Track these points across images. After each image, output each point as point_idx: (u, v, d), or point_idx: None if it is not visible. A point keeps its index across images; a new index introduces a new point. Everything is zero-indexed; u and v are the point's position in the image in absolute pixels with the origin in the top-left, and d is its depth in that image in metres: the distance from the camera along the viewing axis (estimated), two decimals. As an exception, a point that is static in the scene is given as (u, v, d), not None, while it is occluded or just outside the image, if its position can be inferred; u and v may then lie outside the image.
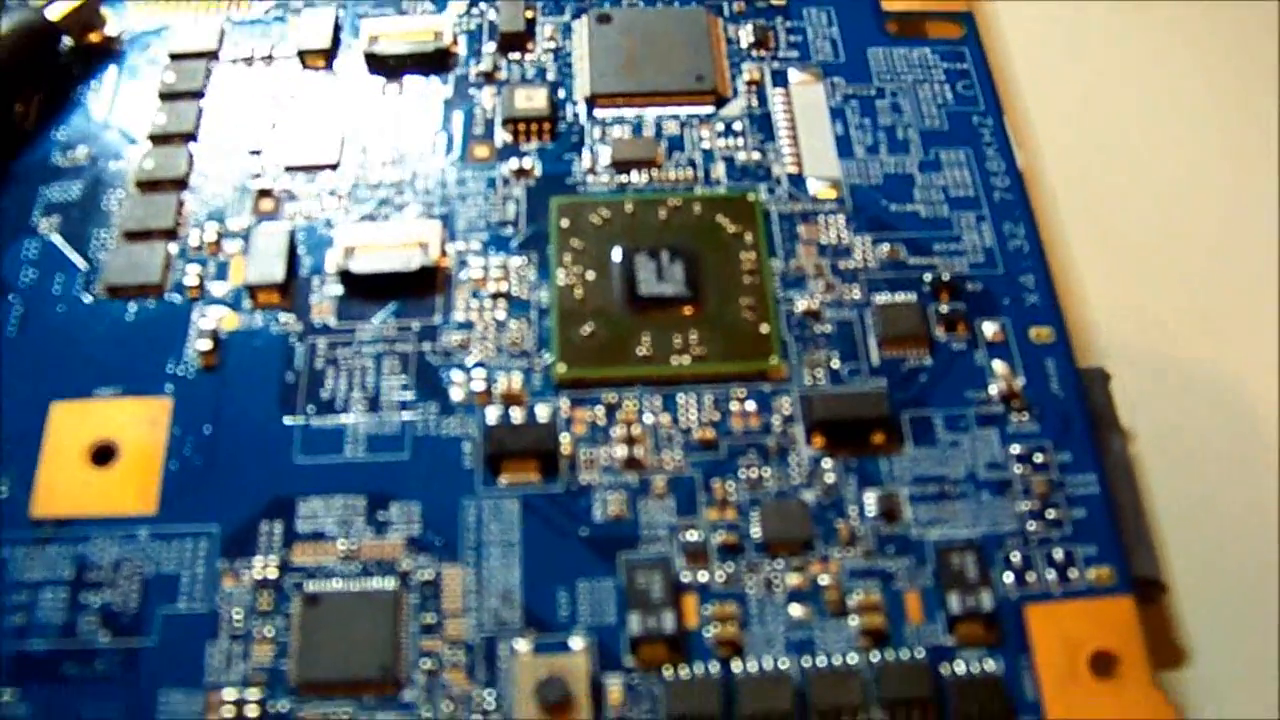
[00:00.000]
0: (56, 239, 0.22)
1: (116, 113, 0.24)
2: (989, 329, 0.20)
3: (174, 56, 0.24)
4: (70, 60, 0.24)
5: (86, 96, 0.24)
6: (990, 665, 0.17)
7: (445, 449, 0.19)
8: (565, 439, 0.19)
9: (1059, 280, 0.21)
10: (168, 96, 0.23)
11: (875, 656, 0.17)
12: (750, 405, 0.19)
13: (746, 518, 0.19)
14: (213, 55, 0.24)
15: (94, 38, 0.24)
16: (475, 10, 0.24)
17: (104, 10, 0.24)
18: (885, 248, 0.21)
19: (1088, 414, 0.19)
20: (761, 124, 0.22)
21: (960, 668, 0.17)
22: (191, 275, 0.21)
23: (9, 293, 0.21)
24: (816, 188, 0.21)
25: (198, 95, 0.23)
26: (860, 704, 0.17)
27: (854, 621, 0.18)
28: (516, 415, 0.19)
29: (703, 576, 0.18)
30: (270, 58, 0.24)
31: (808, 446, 0.19)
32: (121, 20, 0.25)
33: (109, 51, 0.24)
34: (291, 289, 0.21)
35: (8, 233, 0.22)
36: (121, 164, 0.23)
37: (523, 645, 0.18)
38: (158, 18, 0.25)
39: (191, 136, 0.23)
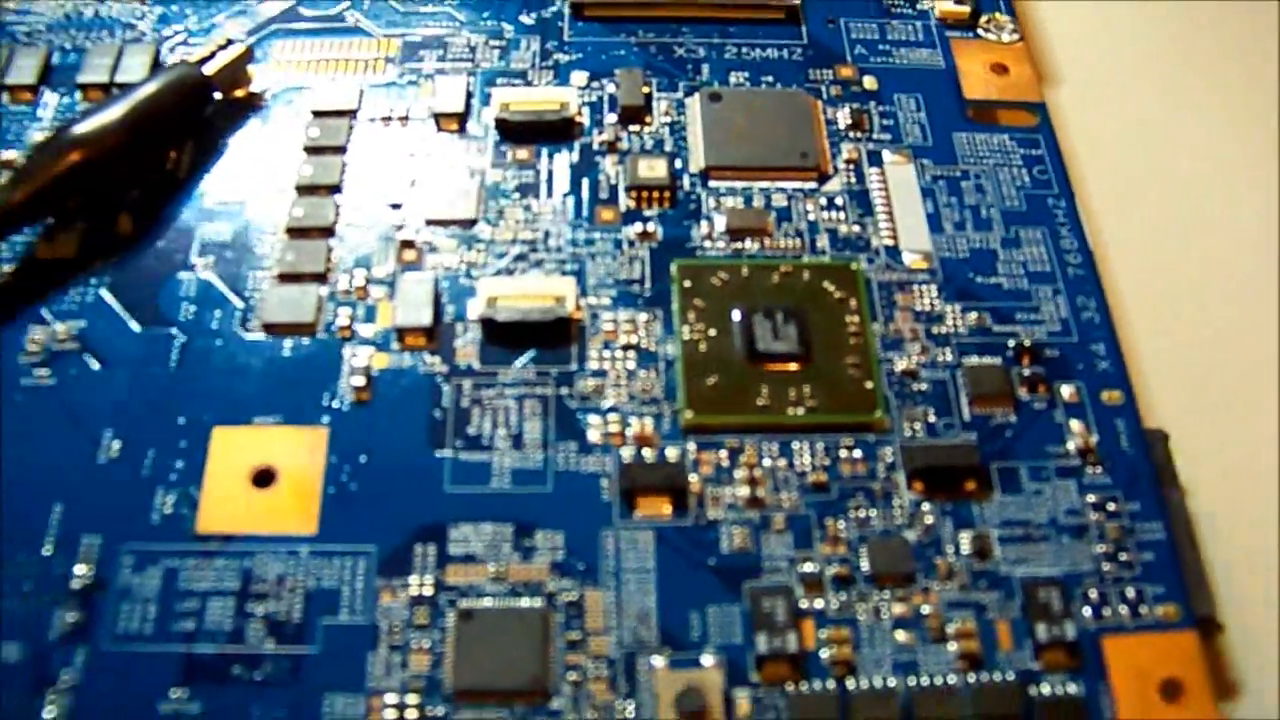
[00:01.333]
0: (213, 277, 0.26)
1: (263, 163, 0.28)
2: (1065, 391, 0.25)
3: (316, 113, 0.28)
4: (219, 112, 0.29)
5: (234, 146, 0.28)
6: (1072, 688, 0.21)
7: (584, 484, 0.23)
8: (693, 478, 0.23)
9: (1125, 348, 0.25)
10: (313, 150, 0.27)
11: (971, 678, 0.21)
12: (857, 453, 0.24)
13: (856, 553, 0.23)
14: (352, 114, 0.28)
15: (240, 93, 0.29)
16: (595, 84, 0.29)
17: (249, 68, 0.29)
18: (973, 315, 0.25)
19: (1152, 469, 0.24)
20: (860, 199, 0.27)
21: (1046, 689, 0.21)
22: (343, 317, 0.25)
23: (170, 326, 0.25)
24: (910, 259, 0.26)
25: (341, 150, 0.27)
26: (963, 716, 0.21)
27: (952, 646, 0.22)
28: (648, 455, 0.23)
29: (819, 604, 0.22)
30: (406, 118, 0.28)
31: (909, 491, 0.23)
32: (265, 77, 0.29)
33: (254, 106, 0.29)
34: (437, 333, 0.25)
35: (167, 270, 0.26)
36: (270, 210, 0.27)
37: (659, 661, 0.21)
38: (298, 77, 0.29)
39: (336, 188, 0.27)
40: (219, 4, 0.31)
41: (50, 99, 0.29)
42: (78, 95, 0.29)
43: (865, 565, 0.22)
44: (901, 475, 0.23)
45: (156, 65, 0.29)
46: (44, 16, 0.31)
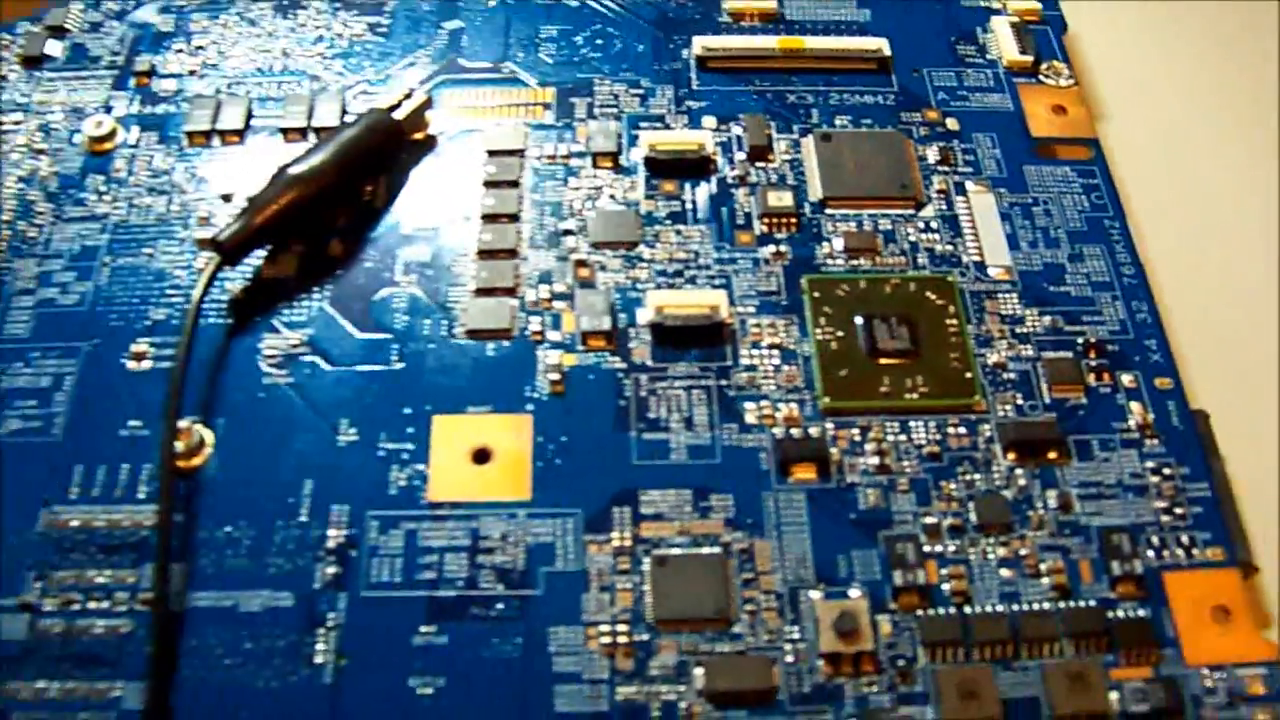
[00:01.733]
0: (418, 292, 0.32)
1: (446, 195, 0.34)
2: (1125, 378, 0.31)
3: (491, 153, 0.34)
4: (406, 151, 0.35)
5: (419, 180, 0.34)
6: (1142, 612, 0.28)
7: (747, 456, 0.29)
8: (833, 451, 0.29)
9: (1172, 343, 0.32)
10: (491, 184, 0.33)
11: (1061, 604, 0.27)
12: (962, 430, 0.30)
13: (965, 508, 0.29)
14: (521, 153, 0.34)
15: (420, 135, 0.35)
16: (723, 127, 0.35)
17: (427, 114, 0.34)
18: (1048, 318, 0.32)
19: (1198, 441, 0.30)
20: (950, 223, 0.33)
21: (1121, 613, 0.27)
22: (534, 324, 0.31)
23: (386, 333, 0.31)
24: (994, 272, 0.32)
25: (514, 184, 0.33)
26: (1055, 636, 0.27)
27: (1045, 580, 0.28)
28: (796, 433, 0.29)
29: (938, 548, 0.28)
30: (568, 156, 0.34)
31: (1004, 459, 0.29)
32: (438, 121, 0.35)
33: (432, 145, 0.35)
34: (614, 336, 0.31)
35: (377, 286, 0.32)
36: (458, 235, 0.33)
37: (816, 594, 0.27)
38: (468, 121, 0.35)
39: (515, 217, 0.33)
40: (390, 58, 0.37)
41: (254, 141, 0.35)
42: (279, 138, 0.35)
43: (973, 517, 0.29)
44: (998, 446, 0.30)
45: (343, 111, 0.36)
46: (242, 70, 0.37)
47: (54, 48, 0.38)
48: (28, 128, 0.36)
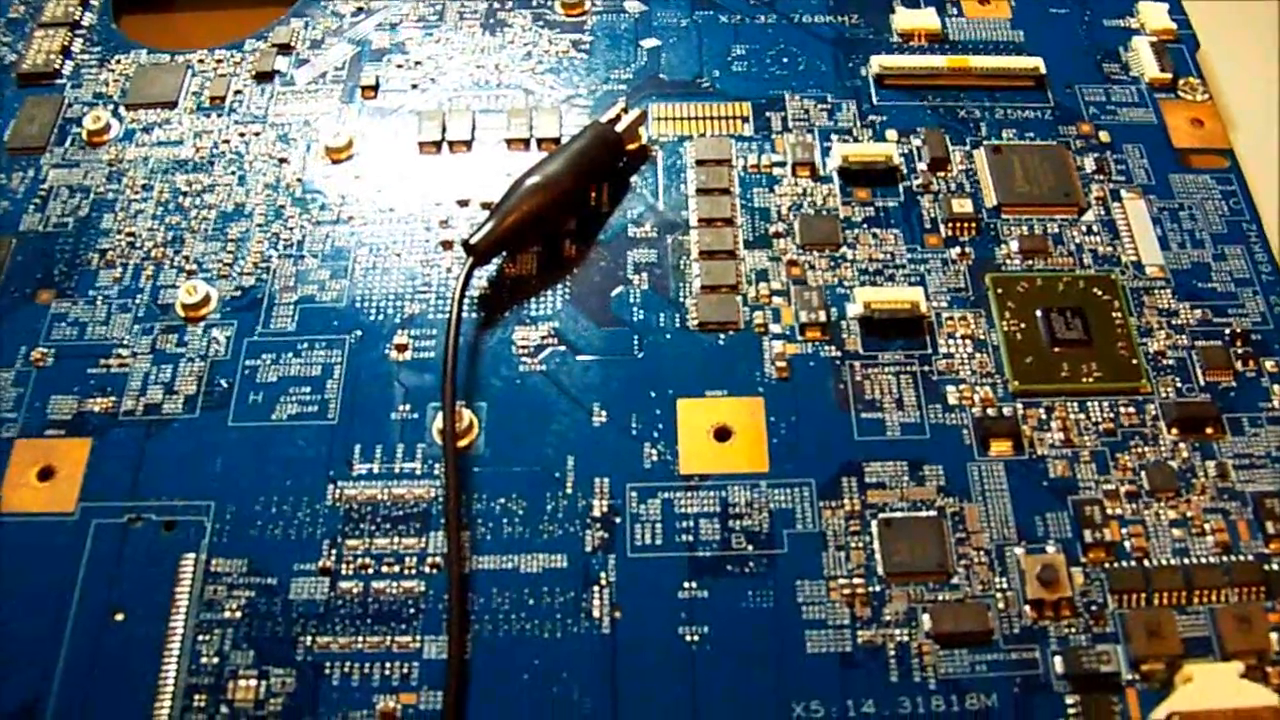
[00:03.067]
0: (648, 289, 0.38)
1: (661, 200, 0.40)
2: (1268, 364, 0.38)
3: (700, 162, 0.40)
4: (623, 160, 0.41)
5: (637, 187, 0.40)
6: None
7: (951, 433, 0.36)
8: (1024, 428, 0.36)
9: None
10: (703, 191, 0.40)
11: (1225, 558, 0.35)
12: (1131, 409, 0.37)
13: (1138, 475, 0.36)
14: (728, 163, 0.40)
15: (633, 146, 0.41)
16: (904, 139, 0.42)
17: (640, 127, 0.41)
18: (1198, 311, 0.39)
19: None
20: (1108, 226, 0.40)
21: (1276, 565, 0.35)
22: (758, 317, 0.38)
23: (625, 325, 0.38)
24: (1150, 271, 0.40)
25: (726, 192, 0.40)
26: (1223, 584, 0.34)
27: (1209, 538, 0.35)
28: (991, 412, 0.36)
29: (1118, 510, 0.35)
30: (770, 165, 0.41)
31: (1169, 434, 0.36)
32: (649, 132, 0.42)
33: (646, 155, 0.41)
34: (829, 328, 0.37)
35: (611, 284, 0.38)
36: (678, 237, 0.40)
37: (1020, 550, 0.34)
38: (676, 132, 0.42)
39: (729, 221, 0.39)
40: (596, 73, 0.44)
41: (480, 150, 0.42)
42: (504, 147, 0.42)
43: (1145, 484, 0.36)
44: (1163, 423, 0.37)
45: (560, 123, 0.42)
46: (461, 84, 0.44)
47: (282, 63, 0.44)
48: (267, 138, 0.42)
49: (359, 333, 0.38)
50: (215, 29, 0.46)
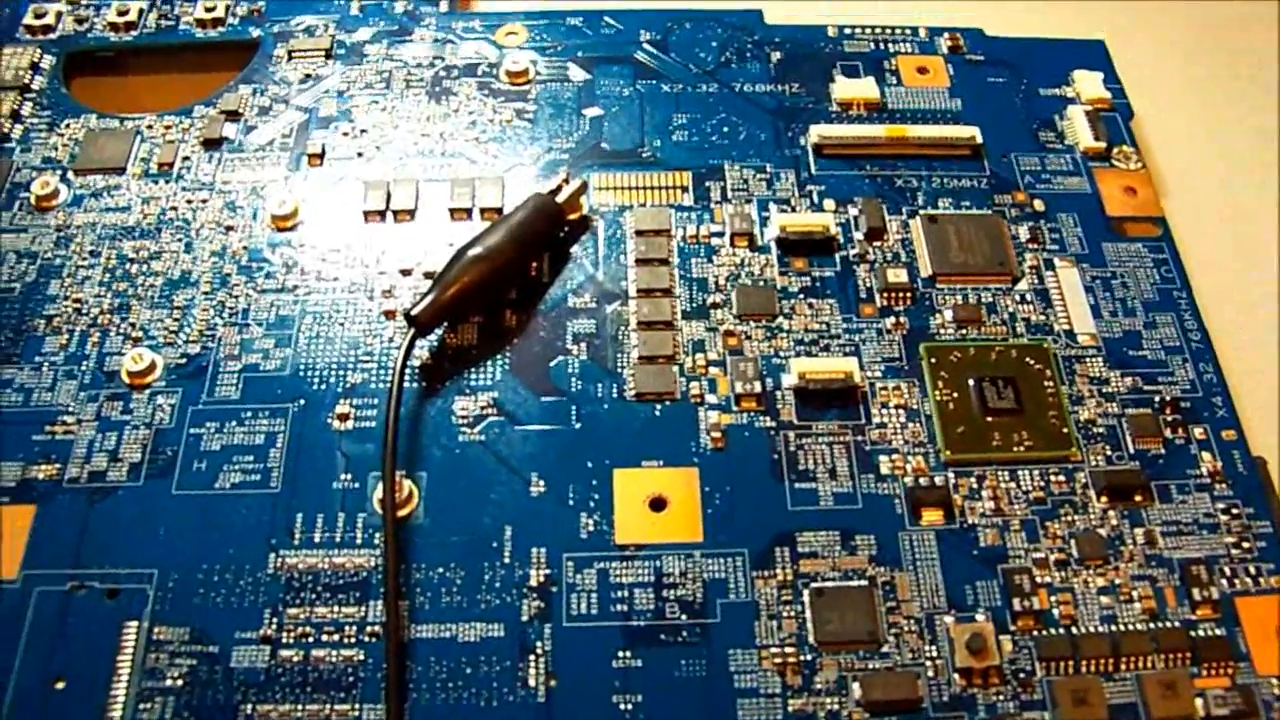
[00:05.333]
0: (587, 360, 0.39)
1: (601, 270, 0.41)
2: (1197, 431, 0.39)
3: (640, 233, 0.42)
4: (564, 230, 0.42)
5: (578, 257, 0.42)
6: (1219, 631, 0.36)
7: (883, 502, 0.37)
8: (956, 497, 0.37)
9: (1235, 400, 0.40)
10: (642, 262, 0.41)
11: (1152, 625, 0.36)
12: (1061, 477, 0.38)
13: (1068, 543, 0.37)
14: (667, 233, 0.42)
15: (574, 216, 0.42)
16: (841, 209, 0.43)
17: (581, 197, 0.42)
18: (1129, 379, 0.40)
19: (1260, 485, 0.38)
20: (1042, 295, 0.42)
21: (1202, 632, 0.36)
22: (694, 388, 0.39)
23: (563, 396, 0.39)
24: (1082, 339, 0.41)
25: (664, 262, 0.41)
26: (1148, 651, 0.35)
27: (1137, 605, 0.36)
28: (924, 482, 0.37)
29: (1047, 578, 0.36)
30: (709, 236, 0.42)
31: (1098, 502, 0.38)
32: (590, 202, 0.43)
33: (587, 225, 0.42)
34: (764, 398, 0.39)
35: (550, 353, 0.39)
36: (615, 308, 0.41)
37: (949, 619, 0.35)
38: (617, 202, 0.43)
39: (668, 291, 0.40)
40: (539, 142, 0.45)
41: (424, 219, 0.43)
42: (447, 216, 0.43)
43: (1075, 552, 0.37)
44: (1093, 491, 0.38)
45: (502, 193, 0.43)
46: (405, 152, 0.45)
47: (230, 129, 0.45)
48: (214, 205, 0.43)
49: (302, 401, 0.39)
50: (166, 93, 0.47)
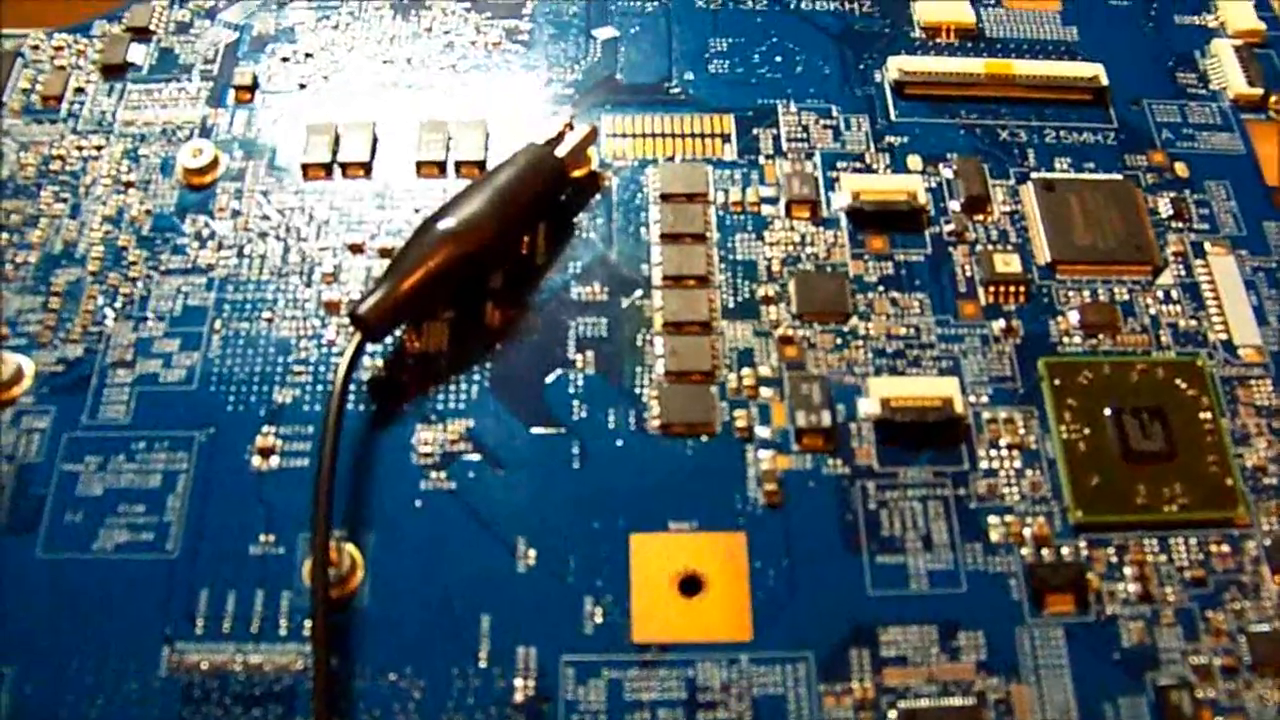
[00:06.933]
0: (595, 375, 0.25)
1: (615, 249, 0.27)
2: (1403, 482, 0.25)
3: (665, 197, 0.27)
4: (566, 192, 0.28)
5: (584, 228, 0.27)
6: None
7: (994, 583, 0.23)
8: (1090, 576, 0.23)
9: None
10: (669, 238, 0.27)
11: None
12: (1225, 548, 0.24)
13: (1236, 642, 0.23)
14: (703, 198, 0.27)
15: (579, 173, 0.27)
16: (931, 169, 0.28)
17: (590, 149, 0.27)
18: (1308, 408, 0.26)
19: None
20: (1190, 292, 0.27)
21: None
22: (739, 418, 0.25)
23: (561, 427, 0.24)
24: (1244, 353, 0.27)
25: (699, 238, 0.26)
26: None
27: None
28: (1046, 554, 0.23)
29: (1211, 693, 0.23)
30: (758, 203, 0.27)
31: (1273, 581, 0.24)
32: (600, 154, 0.28)
33: (596, 186, 0.28)
34: (834, 434, 0.24)
35: (545, 365, 0.25)
36: (634, 302, 0.26)
37: None
38: (635, 155, 0.28)
39: (705, 280, 0.26)
40: (536, 70, 0.30)
41: (384, 176, 0.27)
42: (413, 172, 0.28)
43: (1247, 656, 0.23)
44: (1266, 568, 0.24)
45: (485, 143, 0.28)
46: (361, 86, 0.29)
47: (137, 53, 0.30)
48: (111, 153, 0.28)
49: (211, 430, 0.25)
50: (59, 1, 0.32)
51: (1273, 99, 0.31)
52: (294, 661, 0.23)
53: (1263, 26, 0.32)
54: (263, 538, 0.24)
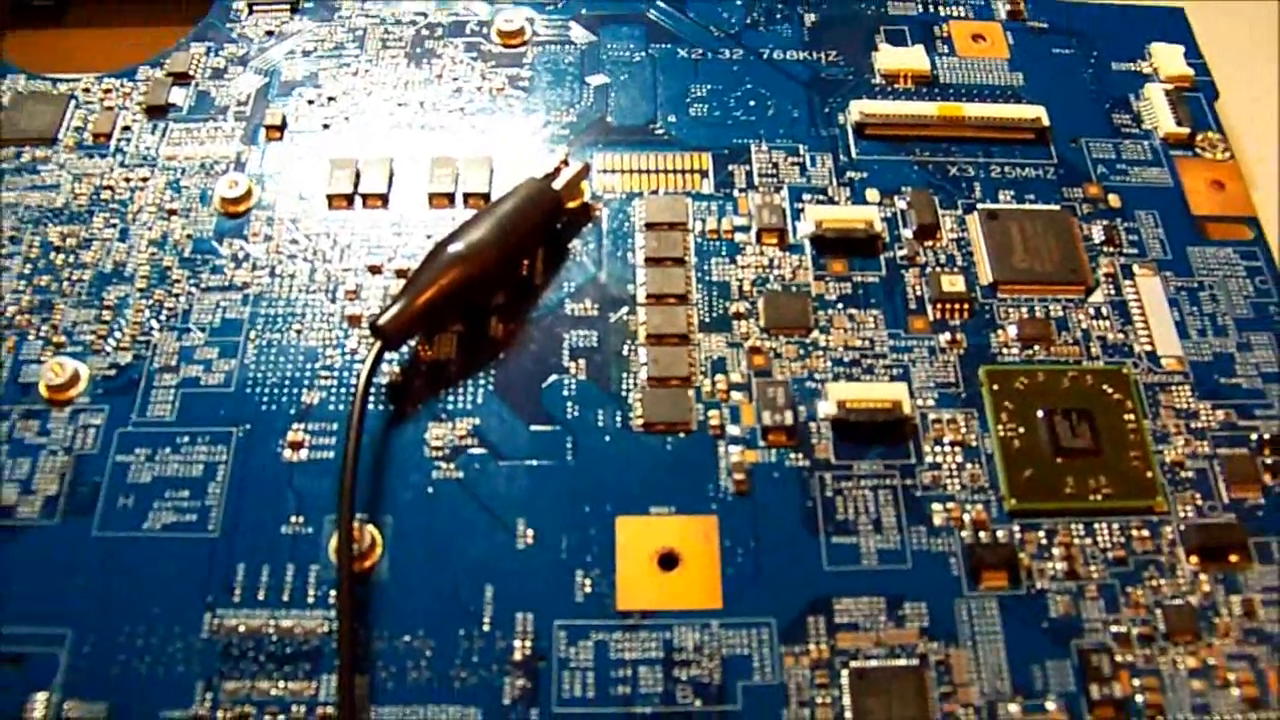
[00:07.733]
0: (587, 380, 0.30)
1: (604, 271, 0.32)
2: (1301, 475, 0.30)
3: (650, 226, 0.32)
4: (561, 221, 0.32)
5: (577, 253, 0.32)
6: None
7: (935, 561, 0.28)
8: (1022, 555, 0.28)
9: None
10: (653, 261, 0.31)
11: (1253, 716, 0.27)
12: (1145, 532, 0.29)
13: (1153, 614, 0.28)
14: (683, 226, 0.32)
15: (573, 204, 0.32)
16: (887, 201, 0.33)
17: (583, 182, 0.32)
18: (1221, 413, 0.31)
19: None
20: (1119, 308, 0.32)
21: None
22: (713, 418, 0.29)
23: (556, 425, 0.29)
24: (1167, 363, 0.31)
25: (679, 262, 0.31)
26: None
27: (1235, 691, 0.27)
28: (984, 536, 0.28)
29: (1130, 657, 0.27)
30: (732, 230, 0.32)
31: (1188, 562, 0.28)
32: (592, 188, 0.33)
33: (589, 215, 0.32)
34: (796, 432, 0.29)
35: (542, 372, 0.30)
36: (621, 317, 0.31)
37: (1014, 708, 0.26)
38: (624, 188, 0.33)
39: (684, 298, 0.31)
40: (535, 113, 0.35)
41: (399, 207, 0.32)
42: (426, 203, 0.33)
43: (1162, 626, 0.28)
44: (1181, 550, 0.29)
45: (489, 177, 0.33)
46: (379, 126, 0.34)
47: (178, 96, 0.35)
48: (156, 184, 0.33)
49: (248, 426, 0.29)
50: (108, 51, 0.37)
51: (1198, 137, 0.35)
52: (320, 625, 0.27)
53: (1191, 72, 0.37)
54: (293, 519, 0.28)
